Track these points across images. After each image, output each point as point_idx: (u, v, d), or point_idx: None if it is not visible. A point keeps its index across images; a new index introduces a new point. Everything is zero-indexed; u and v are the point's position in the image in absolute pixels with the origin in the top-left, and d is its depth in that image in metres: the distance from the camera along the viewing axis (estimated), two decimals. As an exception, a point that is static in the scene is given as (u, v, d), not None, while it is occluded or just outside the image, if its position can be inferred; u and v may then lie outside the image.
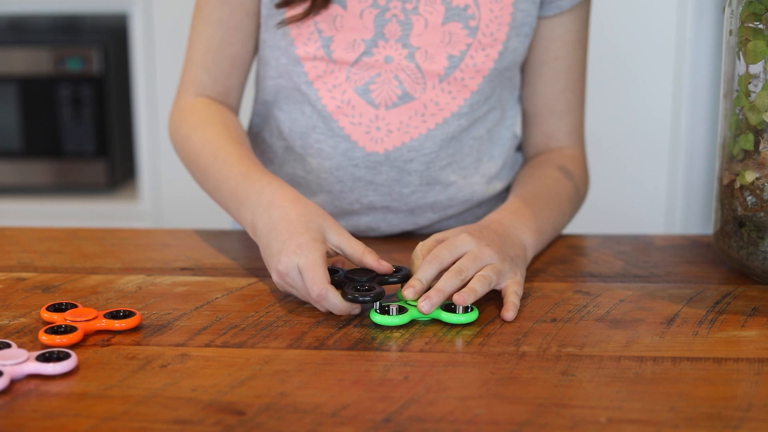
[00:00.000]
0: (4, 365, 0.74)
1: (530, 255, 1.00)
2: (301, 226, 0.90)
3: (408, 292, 0.87)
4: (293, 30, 1.09)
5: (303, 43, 1.09)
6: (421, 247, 0.93)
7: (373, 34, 1.08)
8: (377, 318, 0.85)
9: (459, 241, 0.91)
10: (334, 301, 0.86)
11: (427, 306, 0.85)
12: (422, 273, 0.89)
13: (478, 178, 1.14)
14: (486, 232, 0.95)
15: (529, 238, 1.00)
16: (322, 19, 1.08)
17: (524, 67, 1.16)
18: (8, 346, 0.78)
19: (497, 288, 0.91)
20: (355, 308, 0.87)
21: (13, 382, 0.74)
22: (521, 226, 1.00)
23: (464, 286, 0.88)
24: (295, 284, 0.88)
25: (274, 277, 0.90)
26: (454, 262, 0.90)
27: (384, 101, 1.08)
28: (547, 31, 1.12)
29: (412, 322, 0.86)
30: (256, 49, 1.16)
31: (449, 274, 0.88)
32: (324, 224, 0.91)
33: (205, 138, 1.07)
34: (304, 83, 1.10)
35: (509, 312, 0.87)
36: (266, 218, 0.93)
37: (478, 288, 0.87)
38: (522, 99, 1.18)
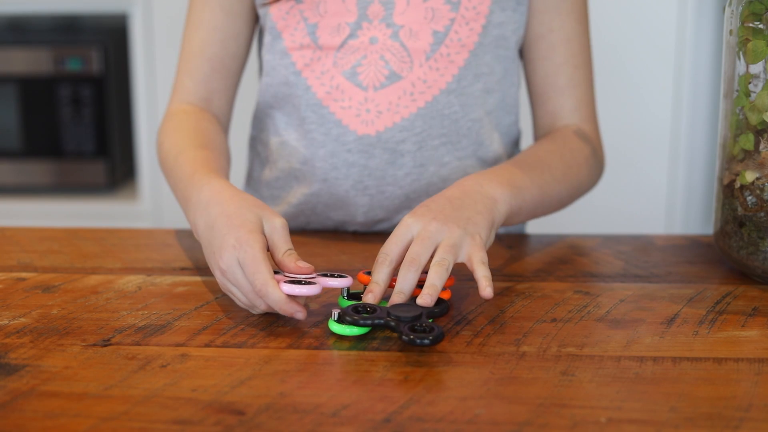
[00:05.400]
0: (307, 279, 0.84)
1: (503, 207, 0.96)
2: (239, 220, 0.87)
3: (368, 297, 0.85)
4: (279, 22, 1.10)
5: (290, 34, 1.10)
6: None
7: (356, 17, 1.08)
8: (335, 327, 0.82)
9: (402, 229, 0.89)
10: (275, 296, 0.82)
11: None
12: (376, 275, 0.87)
13: (474, 161, 1.13)
14: (435, 203, 0.92)
15: (498, 191, 0.96)
16: (306, 7, 1.09)
17: (523, 46, 1.15)
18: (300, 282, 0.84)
19: (460, 261, 0.88)
20: (299, 311, 0.83)
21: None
22: (488, 182, 0.97)
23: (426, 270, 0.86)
24: (236, 281, 0.85)
25: (218, 276, 0.88)
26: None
27: (372, 83, 1.09)
28: (539, 4, 1.12)
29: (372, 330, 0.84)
30: (242, 54, 1.16)
31: (403, 270, 0.86)
32: (262, 214, 0.89)
33: (172, 143, 1.07)
34: (293, 74, 1.11)
35: (486, 290, 0.84)
36: (205, 217, 0.91)
37: (437, 282, 0.84)
38: (525, 80, 1.17)
